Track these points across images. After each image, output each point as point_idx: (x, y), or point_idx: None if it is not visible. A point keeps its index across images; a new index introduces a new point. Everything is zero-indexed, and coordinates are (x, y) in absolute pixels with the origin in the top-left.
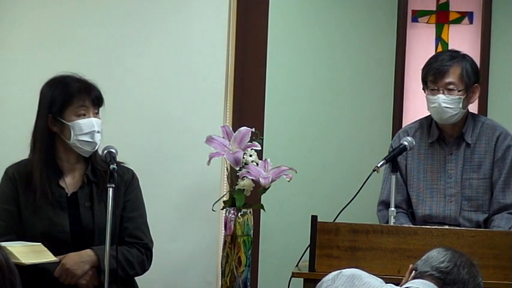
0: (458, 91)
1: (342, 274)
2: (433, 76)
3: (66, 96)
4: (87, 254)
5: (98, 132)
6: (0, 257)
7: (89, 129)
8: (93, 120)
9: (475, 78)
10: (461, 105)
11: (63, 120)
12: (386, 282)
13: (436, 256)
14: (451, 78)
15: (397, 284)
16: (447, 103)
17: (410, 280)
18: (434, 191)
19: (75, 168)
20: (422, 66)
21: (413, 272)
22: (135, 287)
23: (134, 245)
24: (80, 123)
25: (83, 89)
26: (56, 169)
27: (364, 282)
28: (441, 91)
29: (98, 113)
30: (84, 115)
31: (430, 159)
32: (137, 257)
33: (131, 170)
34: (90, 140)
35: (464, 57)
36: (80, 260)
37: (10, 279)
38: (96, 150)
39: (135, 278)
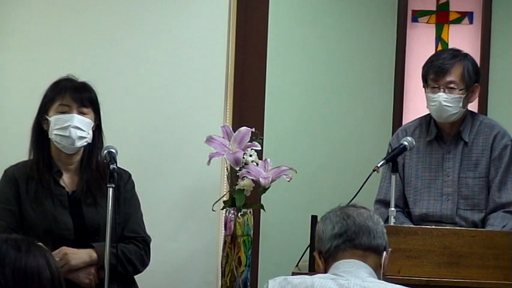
0: (459, 90)
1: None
2: (434, 74)
3: (52, 94)
4: (88, 251)
5: (78, 128)
6: (53, 268)
7: (64, 124)
8: (73, 116)
9: (476, 77)
10: (461, 104)
11: (47, 116)
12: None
13: (324, 228)
14: (453, 77)
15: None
16: (447, 102)
17: (329, 267)
18: (431, 190)
19: (72, 168)
20: (422, 65)
21: (321, 256)
22: (135, 285)
23: (131, 240)
24: (57, 117)
25: (68, 88)
26: (53, 168)
27: (294, 284)
28: (442, 89)
29: (86, 113)
30: (66, 112)
31: (428, 157)
32: (135, 253)
33: (128, 172)
34: (65, 134)
35: (466, 56)
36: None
37: None
38: (96, 154)
39: (136, 277)
